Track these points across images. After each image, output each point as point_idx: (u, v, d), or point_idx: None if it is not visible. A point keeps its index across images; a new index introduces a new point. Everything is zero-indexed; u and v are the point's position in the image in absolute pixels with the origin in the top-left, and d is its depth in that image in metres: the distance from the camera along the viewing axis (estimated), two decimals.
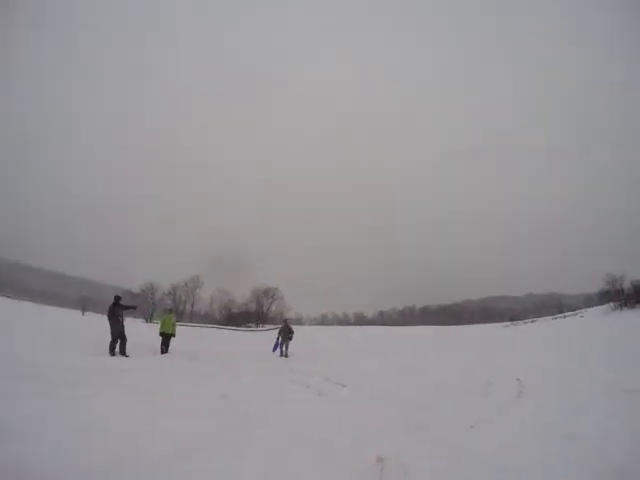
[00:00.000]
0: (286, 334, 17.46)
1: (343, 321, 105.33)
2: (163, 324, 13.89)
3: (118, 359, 10.54)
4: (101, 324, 13.10)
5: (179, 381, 8.20)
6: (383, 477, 3.42)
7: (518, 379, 8.12)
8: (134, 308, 14.41)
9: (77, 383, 6.43)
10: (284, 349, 17.01)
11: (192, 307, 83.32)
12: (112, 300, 12.46)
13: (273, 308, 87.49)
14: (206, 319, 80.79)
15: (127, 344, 11.65)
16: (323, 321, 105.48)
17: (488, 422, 5.20)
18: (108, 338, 11.46)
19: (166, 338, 13.68)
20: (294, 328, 18.54)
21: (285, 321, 19.49)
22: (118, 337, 11.44)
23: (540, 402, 6.16)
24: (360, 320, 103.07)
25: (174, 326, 14.14)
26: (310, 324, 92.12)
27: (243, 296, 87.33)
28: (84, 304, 66.91)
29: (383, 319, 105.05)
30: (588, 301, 61.44)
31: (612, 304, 32.64)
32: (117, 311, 11.90)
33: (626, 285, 34.32)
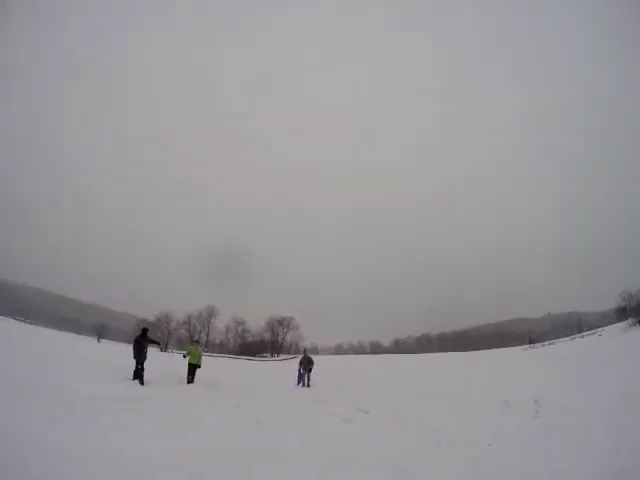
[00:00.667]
0: (307, 365, 17.48)
1: (359, 350, 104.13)
2: (191, 355, 14.13)
3: (147, 388, 11.03)
4: (119, 352, 13.68)
5: (214, 408, 8.72)
6: None
7: (536, 400, 8.46)
8: (158, 344, 14.87)
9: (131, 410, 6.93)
10: (306, 380, 16.95)
11: (207, 336, 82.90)
12: (138, 331, 14.09)
13: (288, 338, 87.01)
14: (222, 348, 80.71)
15: (153, 373, 12.43)
16: (338, 350, 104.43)
17: (505, 440, 5.62)
18: (128, 366, 12.20)
19: (193, 368, 13.96)
20: (313, 358, 18.50)
21: (305, 351, 19.82)
22: (139, 365, 12.11)
23: (555, 420, 6.53)
24: (376, 348, 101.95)
25: (200, 357, 14.44)
26: (325, 353, 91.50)
27: (258, 325, 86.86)
28: (100, 332, 67.94)
29: (399, 347, 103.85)
30: (606, 318, 60.57)
31: (630, 320, 32.46)
32: (143, 342, 12.55)
33: None
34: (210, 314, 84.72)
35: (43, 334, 35.59)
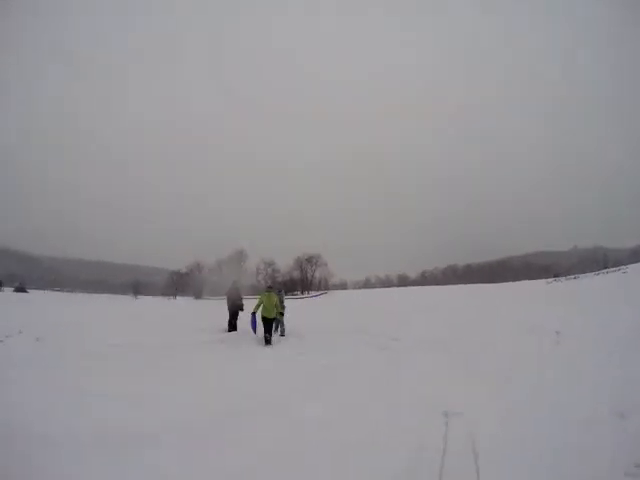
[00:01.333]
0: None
1: (386, 283, 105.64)
2: (263, 308, 11.22)
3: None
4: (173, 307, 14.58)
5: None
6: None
7: (557, 331, 9.10)
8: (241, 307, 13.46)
9: None
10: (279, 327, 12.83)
11: (240, 280, 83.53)
12: (229, 284, 14.41)
13: (317, 274, 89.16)
14: (254, 290, 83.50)
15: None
16: (366, 284, 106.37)
17: (527, 365, 6.35)
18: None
19: (269, 324, 11.13)
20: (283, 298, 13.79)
21: (269, 287, 12.87)
22: (233, 315, 13.23)
23: (573, 350, 7.18)
24: (403, 281, 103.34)
25: (277, 307, 11.62)
26: (354, 288, 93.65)
27: (287, 265, 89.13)
28: (135, 289, 71.20)
29: (426, 279, 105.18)
30: (634, 255, 59.89)
31: None
32: (233, 294, 13.53)
33: None
34: (240, 257, 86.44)
35: (92, 300, 37.22)
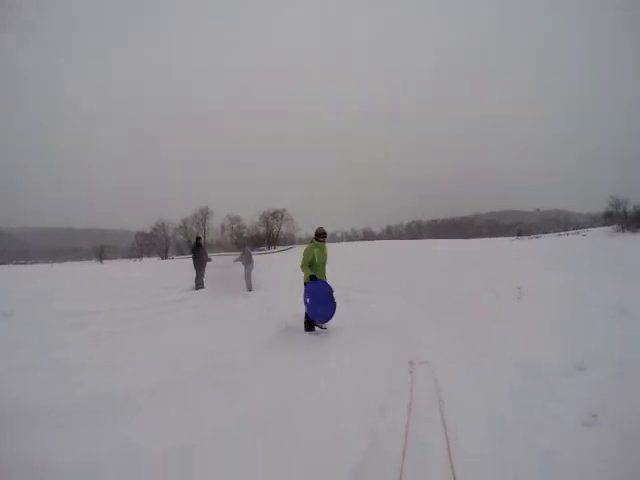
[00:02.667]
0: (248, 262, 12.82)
1: (352, 237, 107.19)
2: (316, 265, 7.10)
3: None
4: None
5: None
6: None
7: (518, 287, 9.39)
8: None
9: None
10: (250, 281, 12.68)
11: (204, 238, 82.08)
12: (193, 241, 13.97)
13: (283, 230, 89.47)
14: (220, 247, 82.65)
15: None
16: (332, 239, 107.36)
17: (492, 320, 6.54)
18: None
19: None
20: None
21: (244, 247, 13.61)
22: (199, 272, 13.00)
23: (534, 306, 7.43)
24: (368, 236, 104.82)
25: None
26: None
27: (252, 220, 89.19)
28: (100, 254, 69.58)
29: (391, 234, 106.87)
30: (594, 221, 62.14)
31: (615, 226, 33.56)
32: (199, 251, 13.18)
33: (629, 209, 34.93)
34: (205, 215, 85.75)
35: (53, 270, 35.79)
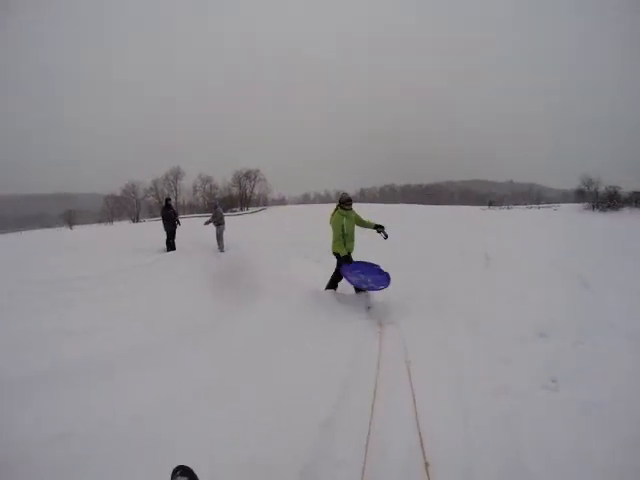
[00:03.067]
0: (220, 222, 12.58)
1: (325, 199, 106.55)
2: (346, 236, 6.38)
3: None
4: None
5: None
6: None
7: (486, 254, 9.59)
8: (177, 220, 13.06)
9: None
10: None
11: (176, 199, 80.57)
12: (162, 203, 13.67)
13: (256, 191, 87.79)
14: (192, 209, 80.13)
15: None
16: (305, 200, 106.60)
17: (462, 287, 6.66)
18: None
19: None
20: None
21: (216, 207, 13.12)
22: (170, 235, 12.71)
23: (500, 273, 7.61)
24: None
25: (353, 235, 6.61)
26: (292, 203, 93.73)
27: (224, 180, 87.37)
28: (69, 219, 66.90)
29: (364, 197, 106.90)
30: (566, 197, 63.58)
31: (586, 204, 34.41)
32: (169, 213, 12.80)
33: (601, 189, 35.78)
34: (176, 176, 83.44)
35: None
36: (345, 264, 6.21)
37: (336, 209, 6.45)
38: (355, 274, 5.99)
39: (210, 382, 3.40)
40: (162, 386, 3.39)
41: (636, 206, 30.52)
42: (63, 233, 36.35)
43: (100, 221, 72.06)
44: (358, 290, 6.30)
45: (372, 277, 5.83)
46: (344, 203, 6.35)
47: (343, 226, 6.27)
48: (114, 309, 6.11)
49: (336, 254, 6.44)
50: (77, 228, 55.56)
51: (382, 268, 5.84)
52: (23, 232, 48.91)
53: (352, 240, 6.54)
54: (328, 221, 6.52)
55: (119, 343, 4.35)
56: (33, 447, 2.60)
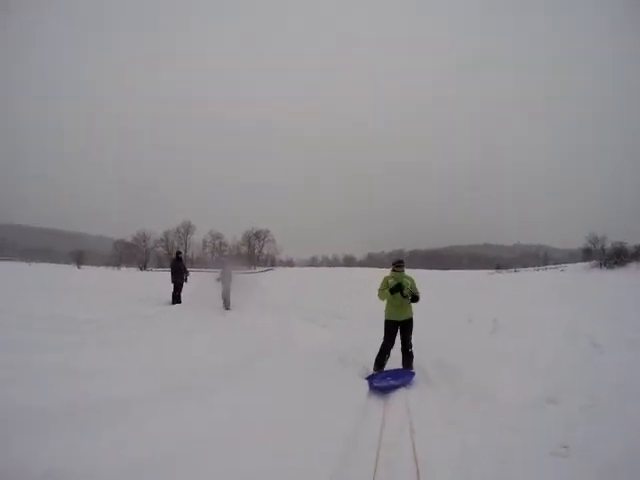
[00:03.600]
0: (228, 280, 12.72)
1: (332, 263, 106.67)
2: (394, 300, 6.02)
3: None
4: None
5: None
6: None
7: (495, 319, 9.47)
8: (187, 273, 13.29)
9: None
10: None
11: (185, 252, 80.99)
12: (174, 256, 14.39)
13: (264, 250, 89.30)
14: (199, 263, 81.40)
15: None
16: (313, 263, 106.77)
17: (468, 353, 6.53)
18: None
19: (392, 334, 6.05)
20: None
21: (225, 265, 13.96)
22: (177, 288, 12.86)
23: (508, 338, 7.48)
24: (350, 262, 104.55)
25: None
26: (300, 266, 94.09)
27: (234, 239, 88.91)
28: (78, 258, 68.46)
29: (372, 261, 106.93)
30: (573, 257, 63.43)
31: (593, 262, 34.42)
32: (179, 266, 13.13)
33: (607, 246, 35.97)
34: (187, 230, 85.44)
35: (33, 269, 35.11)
36: (377, 374, 5.66)
37: (394, 267, 6.24)
38: (387, 381, 5.35)
39: (207, 440, 3.27)
40: (157, 439, 3.25)
41: None
42: (72, 271, 36.54)
43: (108, 264, 72.09)
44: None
45: (402, 379, 5.33)
46: (395, 265, 6.24)
47: (392, 284, 5.98)
48: (113, 354, 5.94)
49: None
50: (85, 268, 55.70)
51: (414, 372, 5.59)
52: (32, 264, 49.18)
53: (399, 306, 6.00)
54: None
55: (115, 390, 4.19)
56: None
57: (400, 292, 5.86)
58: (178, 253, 13.87)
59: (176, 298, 12.67)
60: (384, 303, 6.16)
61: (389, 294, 5.92)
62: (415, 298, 6.01)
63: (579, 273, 29.78)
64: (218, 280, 12.59)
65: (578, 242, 48.09)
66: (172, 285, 12.87)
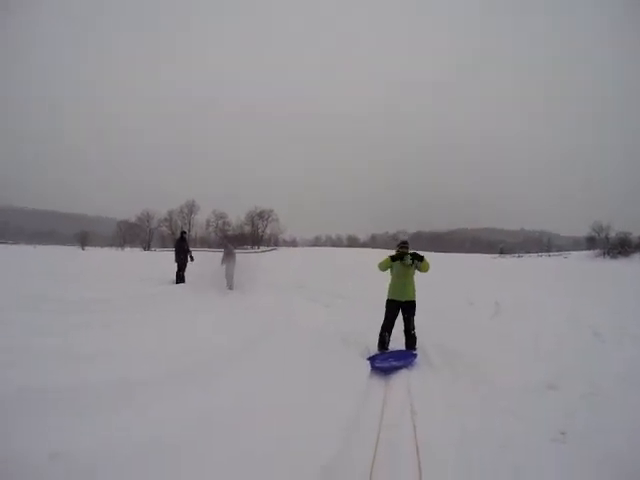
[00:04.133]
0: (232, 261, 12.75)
1: (336, 243, 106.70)
2: (401, 287, 5.98)
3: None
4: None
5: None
6: None
7: (496, 302, 9.52)
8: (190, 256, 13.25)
9: None
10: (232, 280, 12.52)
11: (189, 232, 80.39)
12: (178, 235, 14.08)
13: (268, 230, 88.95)
14: (203, 243, 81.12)
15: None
16: (316, 243, 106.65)
17: (470, 337, 6.56)
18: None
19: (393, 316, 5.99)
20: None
21: (226, 244, 13.98)
22: (181, 267, 12.94)
23: (509, 323, 7.52)
24: (353, 243, 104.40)
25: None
26: (303, 245, 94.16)
27: (238, 218, 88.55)
28: (83, 240, 68.37)
29: (375, 242, 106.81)
30: (577, 244, 63.27)
31: (596, 251, 34.25)
32: (183, 246, 13.11)
33: (611, 235, 35.77)
34: (191, 209, 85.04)
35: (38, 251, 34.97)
36: (379, 355, 5.56)
37: (398, 250, 6.13)
38: (388, 362, 5.25)
39: (212, 424, 3.29)
40: (161, 424, 3.27)
41: None
42: (76, 253, 36.75)
43: (111, 245, 72.50)
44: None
45: (404, 361, 5.24)
46: (399, 245, 6.18)
47: (392, 266, 6.00)
48: (115, 336, 5.92)
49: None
50: (89, 250, 55.94)
51: (416, 353, 5.54)
52: (37, 247, 49.55)
53: (402, 286, 5.93)
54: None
55: (118, 373, 4.17)
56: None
57: (401, 259, 5.85)
58: (182, 233, 13.82)
59: (180, 277, 12.77)
60: (387, 285, 6.12)
61: (390, 260, 5.91)
62: (418, 256, 5.91)
63: (582, 261, 29.64)
64: (223, 263, 12.53)
65: (582, 230, 48.00)
66: (176, 265, 12.96)
